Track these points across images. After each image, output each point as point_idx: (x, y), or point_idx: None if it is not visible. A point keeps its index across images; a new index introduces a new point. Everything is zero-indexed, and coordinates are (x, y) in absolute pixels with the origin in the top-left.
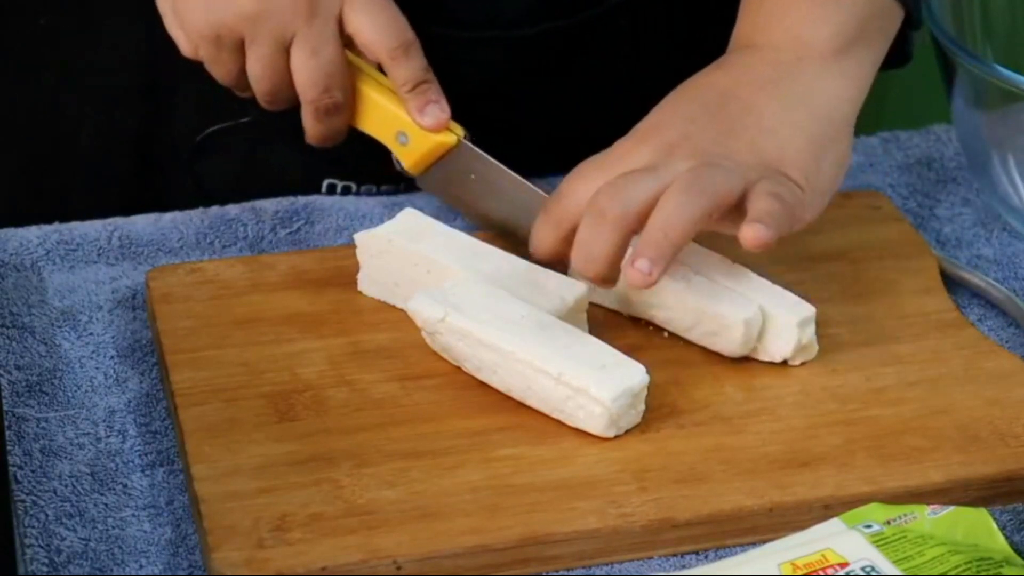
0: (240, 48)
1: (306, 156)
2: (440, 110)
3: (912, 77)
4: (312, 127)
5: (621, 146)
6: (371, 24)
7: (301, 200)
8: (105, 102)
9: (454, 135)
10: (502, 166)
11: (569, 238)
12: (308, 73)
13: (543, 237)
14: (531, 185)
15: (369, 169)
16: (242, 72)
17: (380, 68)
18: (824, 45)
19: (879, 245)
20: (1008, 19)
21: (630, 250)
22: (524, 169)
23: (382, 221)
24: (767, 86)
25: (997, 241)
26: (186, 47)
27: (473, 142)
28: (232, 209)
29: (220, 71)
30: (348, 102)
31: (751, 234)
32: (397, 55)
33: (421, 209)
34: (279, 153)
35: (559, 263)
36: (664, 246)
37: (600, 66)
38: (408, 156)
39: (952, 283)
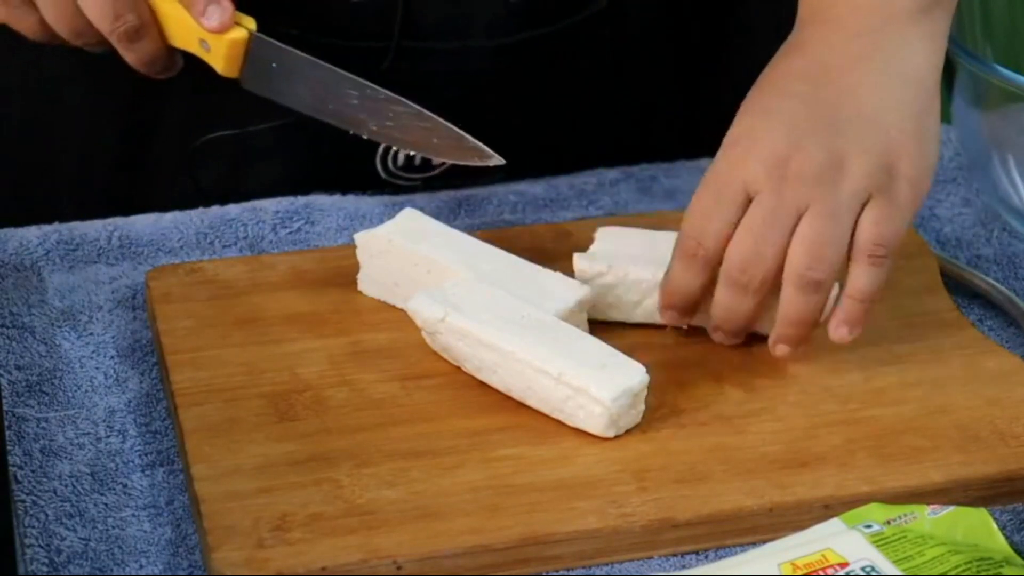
0: (26, 2)
1: (291, 170)
2: (220, 10)
3: None
4: (126, 55)
5: (726, 161)
6: None
7: (301, 200)
8: (89, 119)
9: (244, 29)
10: (293, 50)
11: (711, 283)
12: (91, 6)
13: (686, 284)
14: (326, 64)
15: (354, 178)
16: (45, 23)
17: None
18: (909, 5)
19: None
20: (1008, 19)
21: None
22: (510, 172)
23: (382, 221)
24: (859, 63)
25: (997, 241)
26: None
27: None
28: (232, 209)
29: (24, 27)
30: (148, 22)
31: (836, 337)
32: None
33: (421, 209)
34: (263, 169)
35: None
36: (804, 334)
37: (582, 73)
38: (216, 62)
39: (952, 283)
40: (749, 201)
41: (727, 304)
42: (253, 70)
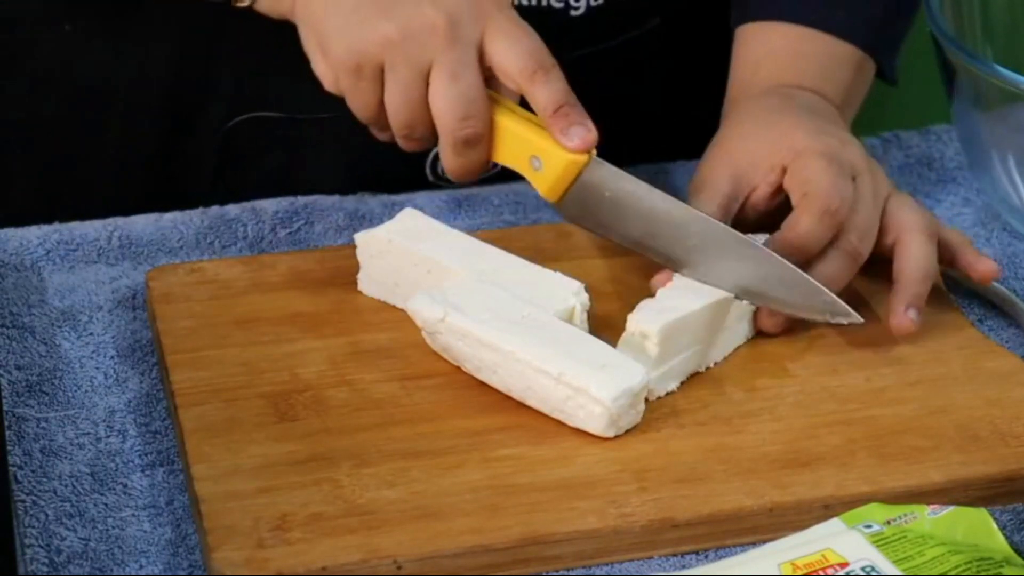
0: (379, 77)
1: (342, 168)
2: (586, 131)
3: (912, 77)
4: (450, 160)
5: (831, 144)
6: (511, 48)
7: (301, 200)
8: (127, 115)
9: (585, 153)
10: (635, 178)
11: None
12: (447, 100)
13: (816, 238)
14: (667, 196)
15: (402, 181)
16: (381, 104)
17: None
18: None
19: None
20: (1008, 19)
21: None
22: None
23: (382, 221)
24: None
25: (997, 241)
26: (328, 79)
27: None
28: (232, 209)
29: (359, 102)
30: (487, 133)
31: (907, 326)
32: (538, 78)
33: (421, 209)
34: (314, 164)
35: None
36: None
37: (633, 87)
38: (543, 181)
39: (952, 283)
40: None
41: (837, 273)
42: (579, 195)
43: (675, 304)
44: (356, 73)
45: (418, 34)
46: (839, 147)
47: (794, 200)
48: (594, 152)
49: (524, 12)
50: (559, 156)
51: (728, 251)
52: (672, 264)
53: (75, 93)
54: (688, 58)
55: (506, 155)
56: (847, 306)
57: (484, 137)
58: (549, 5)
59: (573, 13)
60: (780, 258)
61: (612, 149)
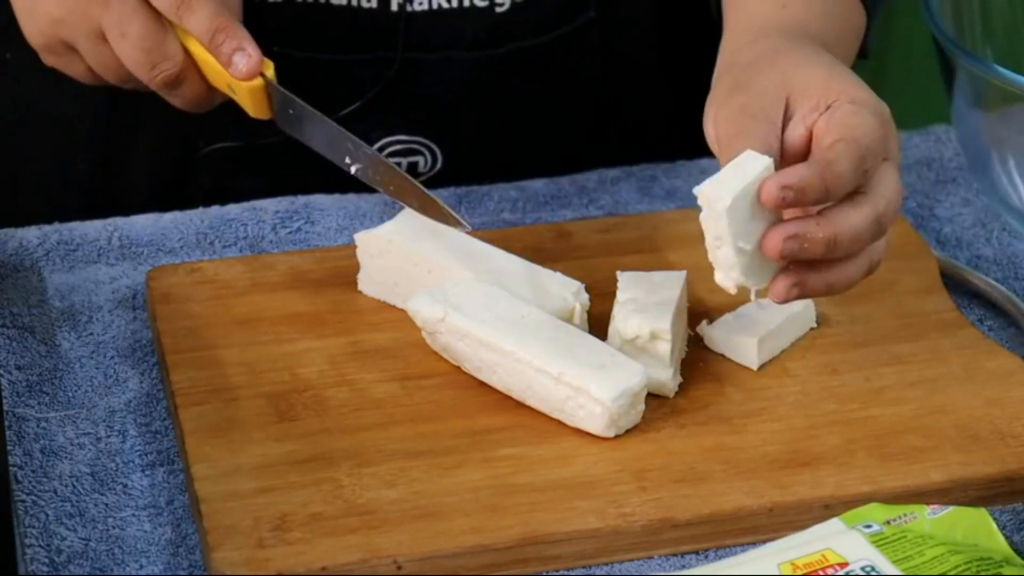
0: (72, 50)
1: (268, 181)
2: (246, 56)
3: (912, 77)
4: (169, 100)
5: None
6: None
7: (301, 200)
8: (62, 142)
9: (260, 77)
10: (301, 101)
11: None
12: (128, 57)
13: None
14: (324, 118)
15: (331, 184)
16: (93, 70)
17: None
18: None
19: None
20: (1008, 19)
21: None
22: (498, 179)
23: (382, 221)
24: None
25: (997, 241)
26: (43, 59)
27: (282, 81)
28: (232, 209)
29: (71, 72)
30: (186, 68)
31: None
32: (181, 13)
33: None
34: (243, 179)
35: None
36: None
37: (570, 81)
38: (243, 104)
39: (952, 283)
40: None
41: (855, 275)
42: (280, 112)
43: (652, 300)
44: (51, 51)
45: (76, 5)
46: (885, 112)
47: (829, 138)
48: (271, 74)
49: (448, 12)
50: (241, 83)
51: (376, 167)
52: (357, 175)
53: (14, 116)
54: (623, 55)
55: (215, 82)
56: (455, 214)
57: (184, 75)
58: (472, 4)
59: (499, 10)
60: (403, 174)
61: (557, 142)
